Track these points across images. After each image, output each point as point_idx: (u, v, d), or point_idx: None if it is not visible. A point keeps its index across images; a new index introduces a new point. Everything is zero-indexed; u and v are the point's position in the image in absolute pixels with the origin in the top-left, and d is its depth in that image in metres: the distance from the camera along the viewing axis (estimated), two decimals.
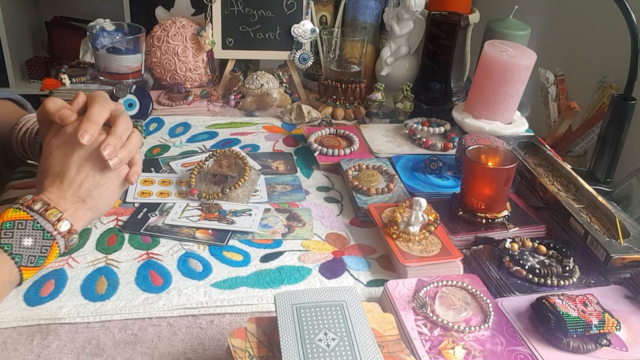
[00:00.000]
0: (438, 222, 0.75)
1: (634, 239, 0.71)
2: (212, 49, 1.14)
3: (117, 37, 1.08)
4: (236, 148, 0.96)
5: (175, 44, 1.12)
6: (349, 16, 1.21)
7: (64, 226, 0.65)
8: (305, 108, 1.08)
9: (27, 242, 0.62)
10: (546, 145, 0.95)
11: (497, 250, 0.71)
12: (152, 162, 0.92)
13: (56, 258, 0.66)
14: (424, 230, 0.73)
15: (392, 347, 0.52)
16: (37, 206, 0.64)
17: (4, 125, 0.84)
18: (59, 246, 0.65)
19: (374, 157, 0.96)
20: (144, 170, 0.88)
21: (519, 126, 1.00)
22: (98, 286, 0.65)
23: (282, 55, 1.18)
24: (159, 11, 1.19)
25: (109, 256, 0.70)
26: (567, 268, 0.69)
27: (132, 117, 1.02)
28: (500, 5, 1.31)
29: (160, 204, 0.80)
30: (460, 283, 0.65)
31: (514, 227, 0.77)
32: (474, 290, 0.64)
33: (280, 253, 0.73)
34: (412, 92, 1.09)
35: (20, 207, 0.64)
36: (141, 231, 0.75)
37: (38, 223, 0.63)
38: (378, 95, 1.10)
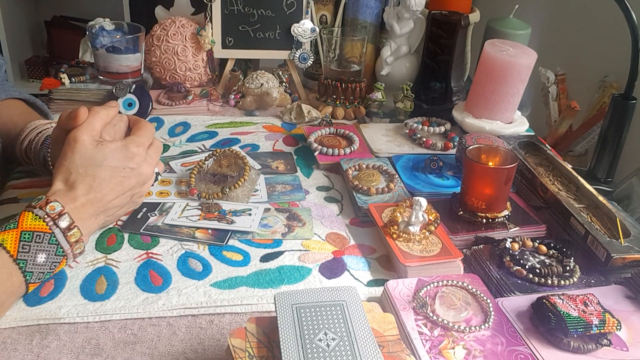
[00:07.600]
0: (438, 221, 0.74)
1: (635, 238, 0.71)
2: (211, 48, 1.14)
3: (117, 37, 1.07)
4: (236, 148, 0.96)
5: (174, 43, 1.12)
6: (349, 15, 1.21)
7: (78, 248, 0.65)
8: (305, 107, 1.08)
9: (41, 258, 0.60)
10: (547, 145, 0.95)
11: (498, 250, 0.71)
12: None
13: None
14: (424, 230, 0.72)
15: (392, 347, 0.52)
16: (63, 224, 0.62)
17: (12, 129, 0.84)
18: (67, 261, 0.64)
19: (374, 157, 0.96)
20: None
21: (520, 126, 1.00)
22: (97, 286, 0.65)
23: (282, 54, 1.18)
24: (159, 10, 1.19)
25: (108, 256, 0.70)
26: (568, 268, 0.69)
27: None
28: (501, 4, 1.31)
29: (159, 203, 0.80)
30: (460, 283, 0.65)
31: (515, 227, 0.77)
32: (474, 290, 0.64)
33: (280, 253, 0.73)
34: (412, 92, 1.09)
35: (39, 214, 0.61)
36: (141, 231, 0.75)
37: (55, 237, 0.62)
38: (378, 95, 1.10)
